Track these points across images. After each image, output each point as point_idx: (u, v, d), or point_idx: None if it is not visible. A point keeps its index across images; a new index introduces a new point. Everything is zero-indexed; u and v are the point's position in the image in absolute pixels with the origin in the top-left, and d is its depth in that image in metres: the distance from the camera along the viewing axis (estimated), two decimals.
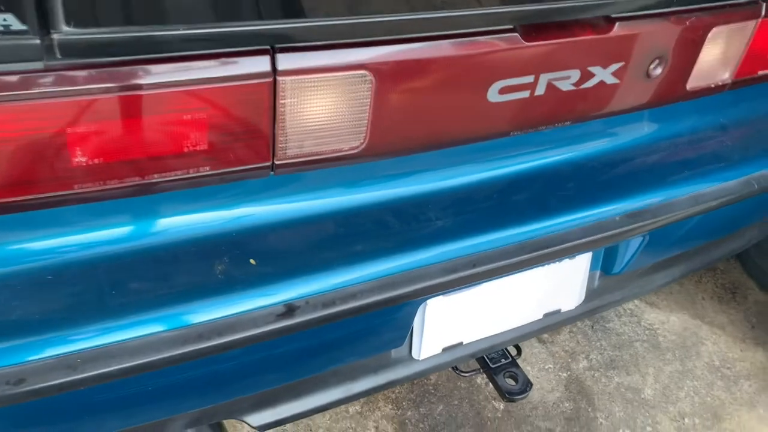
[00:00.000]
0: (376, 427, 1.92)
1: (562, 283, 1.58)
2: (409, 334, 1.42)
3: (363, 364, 1.40)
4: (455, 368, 1.65)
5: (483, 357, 1.63)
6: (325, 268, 1.12)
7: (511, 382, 1.60)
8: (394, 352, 1.43)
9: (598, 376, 2.16)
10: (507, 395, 1.57)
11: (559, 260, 1.52)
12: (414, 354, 1.45)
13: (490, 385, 2.07)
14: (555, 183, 1.33)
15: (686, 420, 2.04)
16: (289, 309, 1.07)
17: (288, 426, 1.89)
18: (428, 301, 1.36)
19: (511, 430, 1.96)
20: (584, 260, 1.56)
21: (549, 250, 1.31)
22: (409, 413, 1.97)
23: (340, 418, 1.93)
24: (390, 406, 1.98)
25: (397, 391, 2.02)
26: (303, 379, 1.30)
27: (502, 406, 2.02)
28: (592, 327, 2.33)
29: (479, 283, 1.42)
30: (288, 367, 1.21)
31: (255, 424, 1.32)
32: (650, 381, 2.15)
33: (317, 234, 1.12)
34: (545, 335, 2.27)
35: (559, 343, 2.26)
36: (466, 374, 1.64)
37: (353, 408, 1.96)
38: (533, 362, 2.17)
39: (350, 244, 1.14)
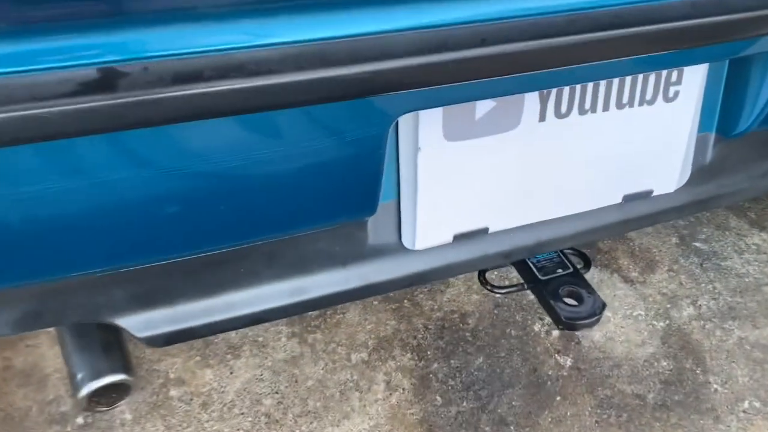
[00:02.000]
0: (387, 382, 1.39)
1: (654, 146, 1.00)
2: (396, 205, 0.89)
3: (320, 251, 0.87)
4: (482, 278, 1.09)
5: (527, 263, 1.06)
6: (189, 15, 0.61)
7: (571, 301, 1.02)
8: (374, 236, 0.90)
9: (711, 328, 1.54)
10: (564, 320, 1.00)
11: (648, 100, 0.94)
12: (406, 241, 0.92)
13: (554, 333, 1.49)
14: None
15: None
16: (108, 75, 0.57)
17: (265, 373, 1.39)
18: (422, 147, 0.82)
19: (580, 393, 1.38)
20: (691, 104, 0.97)
21: (617, 32, 0.74)
22: (435, 366, 1.42)
23: (338, 367, 1.41)
24: (409, 355, 1.44)
25: (420, 335, 1.48)
26: (206, 258, 0.79)
27: (569, 363, 1.44)
28: (701, 265, 1.69)
29: (513, 124, 0.87)
30: (152, 220, 0.70)
31: (139, 335, 0.83)
32: None
33: None
34: (633, 273, 1.66)
35: (654, 284, 1.64)
36: (501, 291, 1.08)
37: (358, 355, 1.44)
38: (615, 307, 1.57)
39: None
